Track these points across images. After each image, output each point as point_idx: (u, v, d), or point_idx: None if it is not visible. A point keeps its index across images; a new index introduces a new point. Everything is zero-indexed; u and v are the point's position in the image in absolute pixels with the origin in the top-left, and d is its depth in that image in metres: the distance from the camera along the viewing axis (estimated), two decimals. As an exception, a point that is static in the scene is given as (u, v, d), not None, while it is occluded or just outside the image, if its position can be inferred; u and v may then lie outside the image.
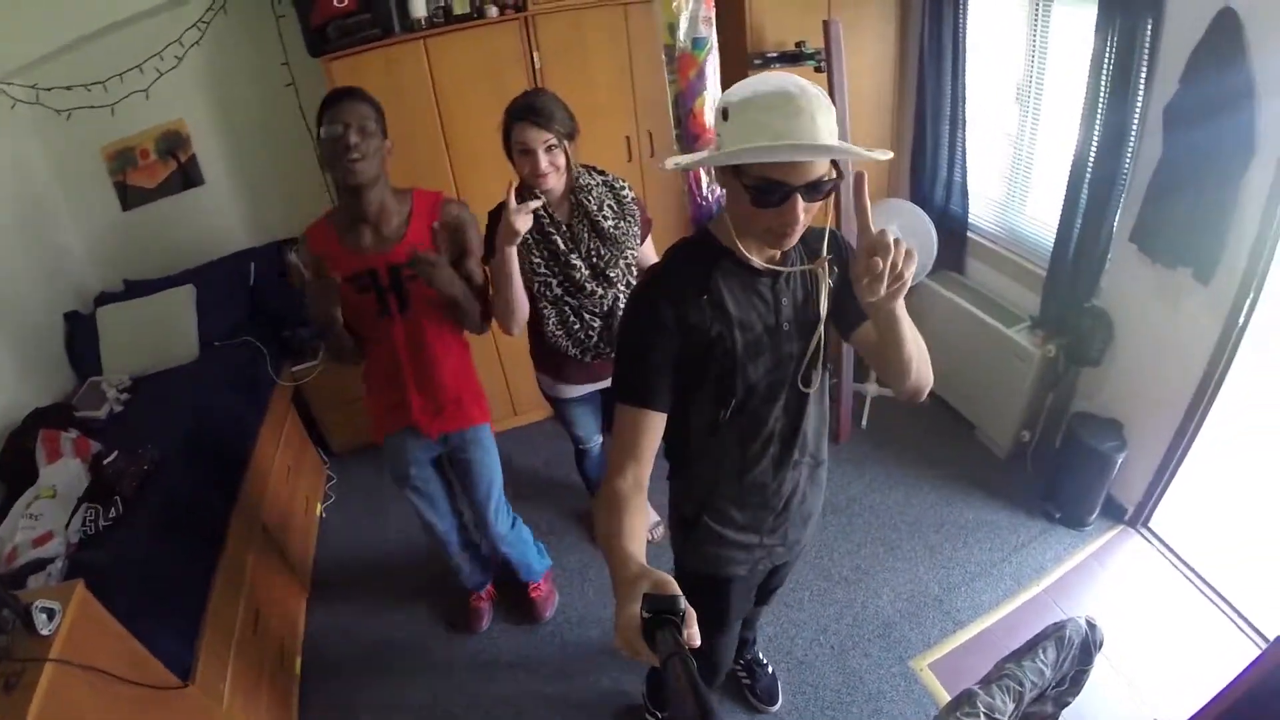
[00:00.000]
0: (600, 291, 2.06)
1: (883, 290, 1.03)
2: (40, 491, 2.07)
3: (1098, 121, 2.36)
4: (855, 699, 2.31)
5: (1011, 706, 1.39)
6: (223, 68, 2.92)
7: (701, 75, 2.07)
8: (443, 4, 2.69)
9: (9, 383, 2.50)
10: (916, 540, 2.84)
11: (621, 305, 2.13)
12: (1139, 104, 2.26)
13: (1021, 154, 2.96)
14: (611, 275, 2.05)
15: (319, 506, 3.24)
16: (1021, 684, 1.41)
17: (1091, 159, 2.43)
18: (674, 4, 2.06)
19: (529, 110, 1.86)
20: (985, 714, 1.36)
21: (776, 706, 2.30)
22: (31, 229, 2.80)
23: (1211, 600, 2.48)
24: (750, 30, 2.79)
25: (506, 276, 1.87)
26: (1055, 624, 1.51)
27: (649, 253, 2.18)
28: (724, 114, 1.09)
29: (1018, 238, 3.06)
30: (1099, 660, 2.30)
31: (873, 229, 1.01)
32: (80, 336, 2.84)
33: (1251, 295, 2.18)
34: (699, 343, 1.22)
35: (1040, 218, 2.90)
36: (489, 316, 2.02)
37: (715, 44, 2.00)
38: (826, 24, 2.58)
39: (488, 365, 3.29)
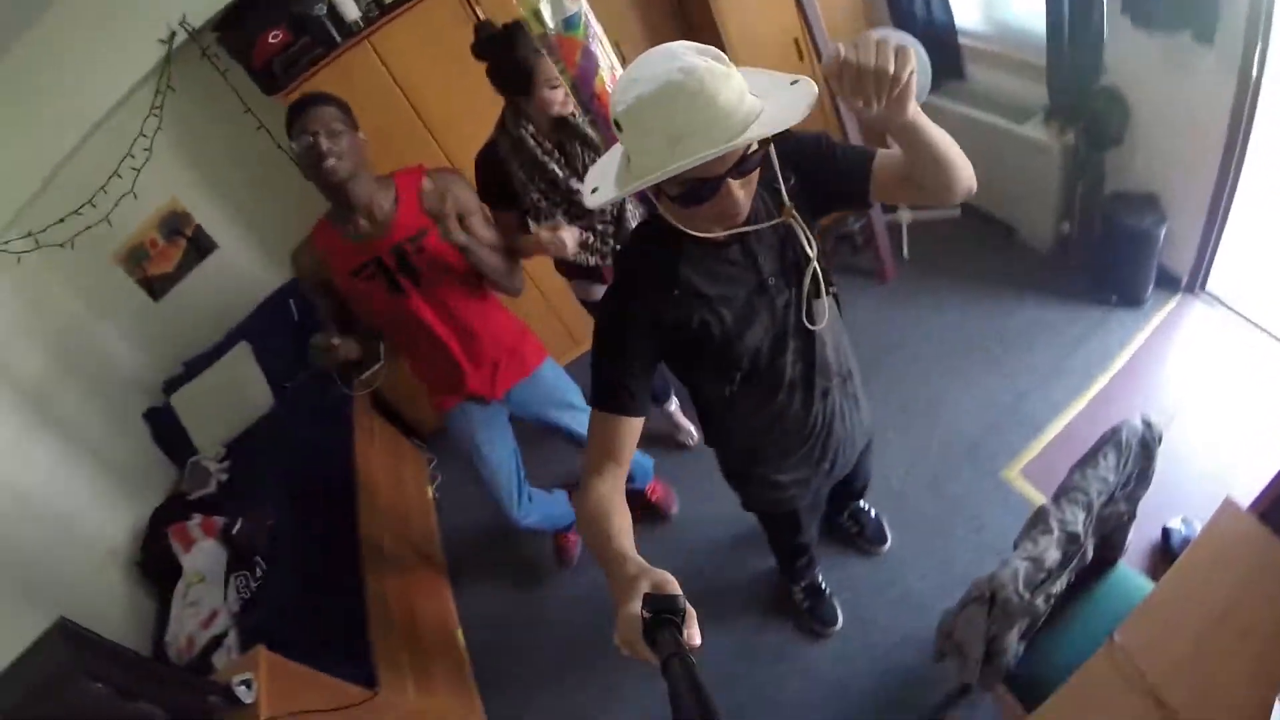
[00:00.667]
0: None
1: (878, 102, 0.89)
2: (189, 580, 2.32)
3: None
4: (957, 521, 2.44)
5: (1083, 515, 1.48)
6: (192, 139, 2.98)
7: (588, 54, 1.89)
8: (373, -1, 2.65)
9: (121, 497, 2.73)
10: (979, 356, 2.88)
11: (629, 209, 2.21)
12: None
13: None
14: None
15: (429, 490, 3.46)
16: (1088, 493, 1.49)
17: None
18: None
19: (532, 48, 1.92)
20: (1059, 528, 1.46)
21: (887, 546, 2.44)
22: (80, 357, 2.98)
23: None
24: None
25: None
26: (1111, 429, 1.56)
27: None
28: (618, 125, 0.99)
29: (1011, 32, 2.90)
30: (1179, 434, 2.39)
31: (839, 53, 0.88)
32: (165, 428, 3.06)
33: (1260, 44, 2.07)
34: (685, 337, 1.19)
35: (1028, 6, 2.73)
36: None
37: (588, 12, 1.79)
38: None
39: (531, 305, 3.35)
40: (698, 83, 0.90)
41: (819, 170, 1.21)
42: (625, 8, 3.20)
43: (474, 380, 2.15)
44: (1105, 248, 2.76)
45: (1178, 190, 2.55)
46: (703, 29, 3.05)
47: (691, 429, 3.11)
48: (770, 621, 2.46)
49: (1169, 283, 2.78)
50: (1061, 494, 1.54)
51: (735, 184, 1.01)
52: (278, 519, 2.41)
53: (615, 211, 2.17)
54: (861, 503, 2.46)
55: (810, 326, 1.27)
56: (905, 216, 3.37)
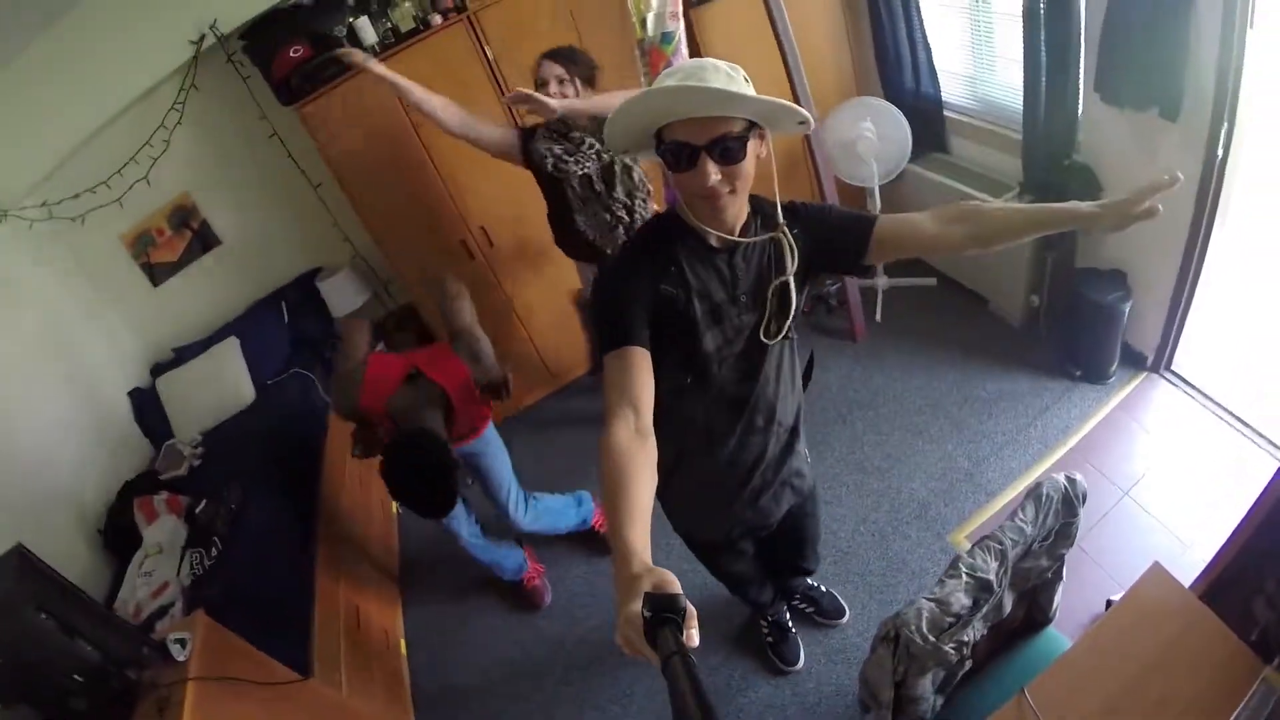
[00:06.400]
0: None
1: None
2: (147, 551, 2.39)
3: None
4: (900, 579, 2.48)
5: (995, 564, 1.53)
6: (209, 137, 3.13)
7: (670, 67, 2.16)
8: (389, 25, 2.81)
9: (96, 465, 2.82)
10: (942, 420, 2.95)
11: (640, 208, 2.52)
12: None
13: (979, 22, 2.93)
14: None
15: (395, 505, 3.51)
16: (1001, 543, 1.54)
17: (1043, 11, 2.41)
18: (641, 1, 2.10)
19: (553, 51, 2.31)
20: (968, 574, 1.50)
21: (845, 619, 2.44)
22: (78, 329, 3.10)
23: (1240, 431, 2.51)
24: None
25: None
26: (1034, 483, 1.63)
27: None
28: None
29: (992, 107, 3.05)
30: (1127, 504, 2.44)
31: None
32: (147, 408, 3.15)
33: (1226, 124, 2.16)
34: (669, 311, 1.28)
35: (1010, 83, 2.88)
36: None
37: (683, 38, 2.02)
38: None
39: (518, 342, 3.52)
40: (701, 68, 1.15)
41: (818, 230, 1.35)
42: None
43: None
44: (1072, 322, 2.85)
45: (1144, 268, 2.63)
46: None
47: None
48: (733, 653, 2.47)
49: (1134, 360, 2.84)
50: (976, 544, 1.60)
51: (711, 164, 1.15)
52: (241, 504, 2.47)
53: (630, 206, 2.48)
54: (810, 580, 2.46)
55: (765, 340, 1.37)
56: (882, 282, 3.48)
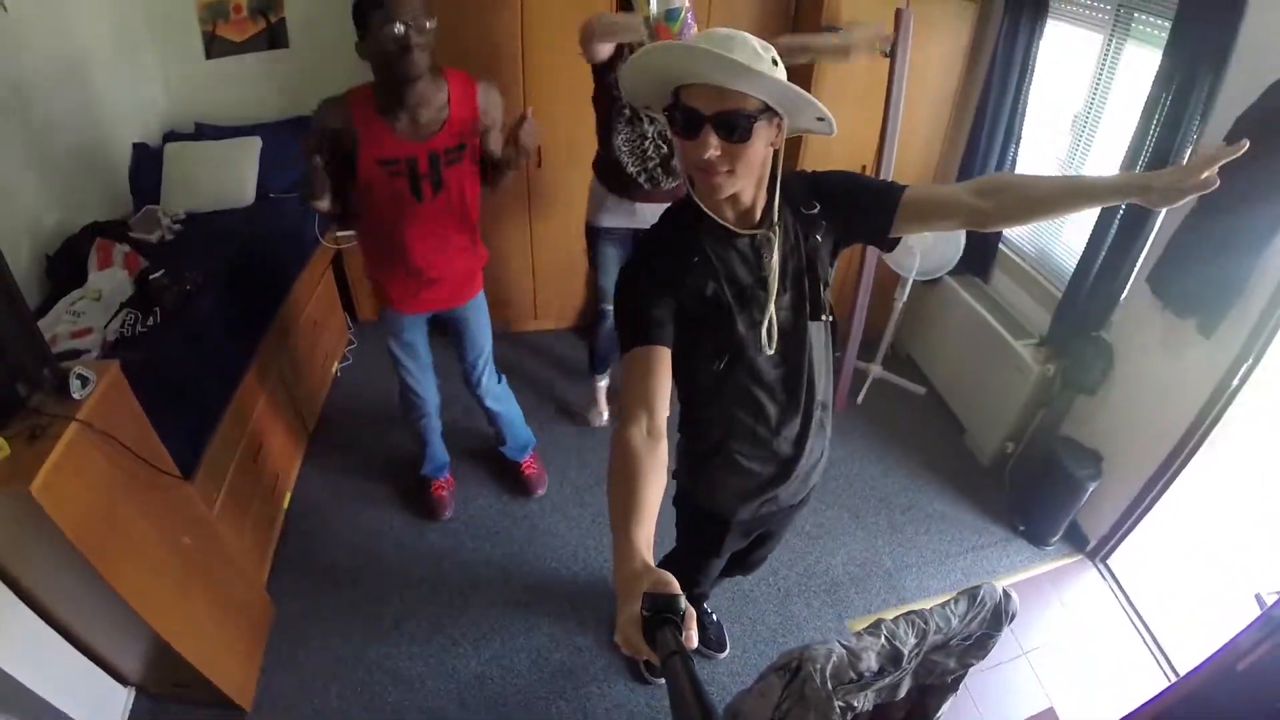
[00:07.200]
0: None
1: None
2: (87, 293, 2.25)
3: (1141, 161, 2.39)
4: (789, 641, 2.45)
5: (913, 640, 1.51)
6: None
7: None
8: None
9: (73, 195, 2.67)
10: (882, 516, 2.96)
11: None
12: (1185, 154, 2.29)
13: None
14: None
15: (335, 366, 3.43)
16: (926, 623, 1.52)
17: (1128, 198, 2.47)
18: None
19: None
20: (887, 638, 1.48)
21: (724, 654, 2.41)
22: (117, 59, 2.95)
23: (1146, 644, 2.55)
24: (828, 3, 2.86)
25: None
26: (974, 585, 1.62)
27: None
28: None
29: (1045, 258, 3.11)
30: (1021, 663, 2.46)
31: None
32: (145, 167, 3.01)
33: (1251, 360, 2.21)
34: (697, 301, 1.26)
35: (1071, 244, 2.95)
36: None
37: (690, 14, 1.98)
38: (899, 12, 2.65)
39: (521, 271, 3.49)
40: (725, 34, 1.10)
41: (842, 198, 1.34)
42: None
43: (421, 296, 2.21)
44: (1035, 480, 2.88)
45: (1122, 459, 2.66)
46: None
47: (604, 411, 3.22)
48: (602, 642, 2.42)
49: (1077, 539, 2.88)
50: (903, 615, 1.58)
51: (713, 136, 1.12)
52: (198, 289, 2.35)
53: (665, 148, 2.43)
54: (705, 606, 2.44)
55: (811, 321, 1.34)
56: (875, 370, 3.51)
